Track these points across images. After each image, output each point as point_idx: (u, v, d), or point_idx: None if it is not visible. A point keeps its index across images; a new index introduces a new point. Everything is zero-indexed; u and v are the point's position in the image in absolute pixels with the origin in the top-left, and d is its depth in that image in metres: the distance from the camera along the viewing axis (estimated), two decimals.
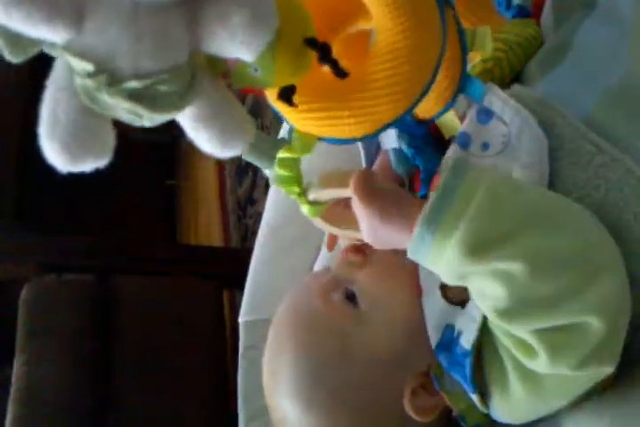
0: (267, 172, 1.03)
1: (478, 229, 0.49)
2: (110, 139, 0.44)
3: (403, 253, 0.61)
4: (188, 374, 1.69)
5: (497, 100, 0.61)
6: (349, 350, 0.60)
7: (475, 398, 0.55)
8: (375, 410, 0.60)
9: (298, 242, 0.93)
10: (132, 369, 1.65)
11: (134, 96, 0.43)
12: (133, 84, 0.42)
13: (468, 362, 0.54)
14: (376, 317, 0.61)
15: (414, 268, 0.61)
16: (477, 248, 0.48)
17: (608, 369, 0.50)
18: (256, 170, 2.08)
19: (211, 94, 0.47)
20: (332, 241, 0.71)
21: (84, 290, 1.73)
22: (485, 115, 0.61)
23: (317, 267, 0.89)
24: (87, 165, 0.43)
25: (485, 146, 0.61)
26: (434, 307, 0.59)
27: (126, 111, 0.44)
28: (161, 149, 2.75)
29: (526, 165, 0.58)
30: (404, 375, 0.59)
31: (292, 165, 0.58)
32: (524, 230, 0.49)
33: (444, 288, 0.59)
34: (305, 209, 0.61)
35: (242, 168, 2.19)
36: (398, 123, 0.55)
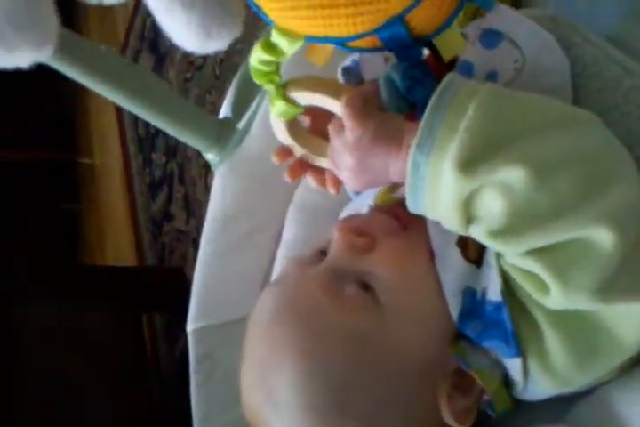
0: (209, 156, 0.91)
1: (473, 139, 0.42)
2: (53, 21, 0.35)
3: (410, 223, 0.52)
4: (106, 410, 1.50)
5: (506, 18, 0.52)
6: (376, 361, 0.48)
7: (517, 363, 0.46)
8: None
9: (253, 233, 0.80)
10: (37, 409, 1.44)
11: None
12: None
13: (505, 313, 0.46)
14: (401, 312, 0.49)
15: (423, 231, 0.51)
16: (474, 160, 0.42)
17: None
18: (172, 183, 1.93)
19: None
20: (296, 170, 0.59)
21: None
22: (493, 37, 0.52)
23: (280, 259, 0.75)
24: (25, 56, 0.34)
25: (493, 75, 0.52)
26: (451, 270, 0.49)
27: None
28: (60, 169, 2.54)
29: (545, 92, 0.50)
30: (436, 379, 0.49)
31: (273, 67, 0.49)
32: (525, 134, 0.42)
33: (463, 245, 0.50)
34: (277, 106, 0.51)
35: (155, 183, 2.03)
36: (392, 40, 0.48)
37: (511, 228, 0.42)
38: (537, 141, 0.42)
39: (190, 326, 0.78)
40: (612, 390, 0.47)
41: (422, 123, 0.44)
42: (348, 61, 0.60)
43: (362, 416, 0.48)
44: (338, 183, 0.56)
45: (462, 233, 0.47)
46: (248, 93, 0.86)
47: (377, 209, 0.55)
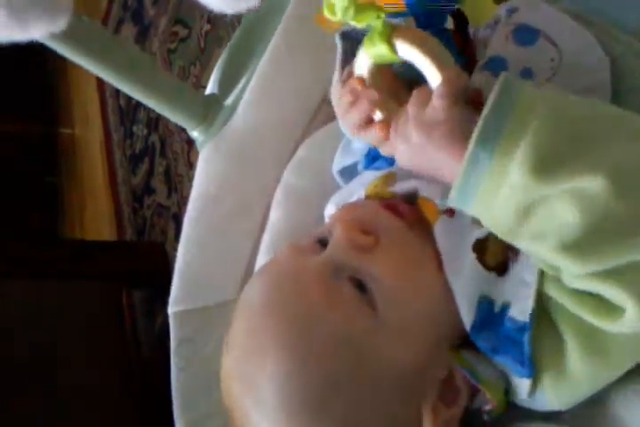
0: (194, 134, 0.88)
1: (547, 141, 0.39)
2: None
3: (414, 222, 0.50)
4: (88, 390, 1.48)
5: (543, 14, 0.50)
6: (361, 368, 0.46)
7: (526, 383, 0.45)
8: None
9: (237, 215, 0.78)
10: (22, 389, 1.42)
11: None
12: None
13: (526, 338, 0.44)
14: (398, 323, 0.47)
15: (428, 232, 0.49)
16: (549, 163, 0.39)
17: None
18: (153, 156, 1.89)
19: None
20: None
21: None
22: (527, 34, 0.49)
23: (266, 242, 0.74)
24: (40, 30, 0.36)
25: (527, 73, 0.49)
26: (464, 276, 0.47)
27: None
28: (39, 142, 2.48)
29: (584, 91, 0.48)
30: (423, 388, 0.47)
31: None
32: (601, 142, 0.39)
33: (480, 250, 0.47)
34: (377, 48, 0.47)
35: (136, 155, 1.99)
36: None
37: (588, 242, 0.39)
38: (614, 149, 0.39)
39: (172, 309, 0.77)
40: (611, 392, 0.46)
41: (485, 114, 0.41)
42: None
43: (340, 421, 0.46)
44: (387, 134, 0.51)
45: (505, 238, 0.44)
46: (236, 69, 0.83)
47: (380, 203, 0.52)
